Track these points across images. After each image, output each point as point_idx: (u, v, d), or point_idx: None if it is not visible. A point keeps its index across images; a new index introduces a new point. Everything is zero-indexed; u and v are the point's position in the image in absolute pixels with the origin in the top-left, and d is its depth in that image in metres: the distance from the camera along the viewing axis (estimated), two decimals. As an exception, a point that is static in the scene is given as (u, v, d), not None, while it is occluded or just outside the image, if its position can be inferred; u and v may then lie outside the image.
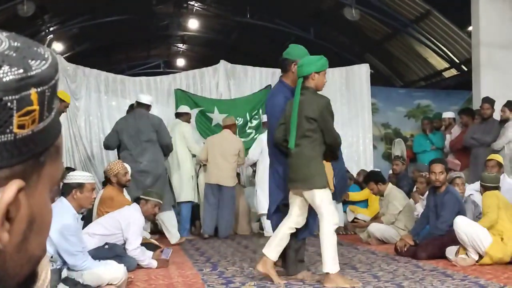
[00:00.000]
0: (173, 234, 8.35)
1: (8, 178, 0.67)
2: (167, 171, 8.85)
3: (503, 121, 9.02)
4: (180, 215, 9.21)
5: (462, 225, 5.90)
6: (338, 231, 9.57)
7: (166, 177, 8.68)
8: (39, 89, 0.68)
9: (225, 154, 9.02)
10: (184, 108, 9.73)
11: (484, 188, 6.26)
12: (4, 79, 0.65)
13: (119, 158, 8.30)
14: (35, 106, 0.68)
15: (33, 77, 0.68)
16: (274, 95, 5.56)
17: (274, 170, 5.41)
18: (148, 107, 8.68)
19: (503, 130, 8.94)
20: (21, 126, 0.66)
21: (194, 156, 9.48)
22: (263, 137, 8.48)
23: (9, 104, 0.65)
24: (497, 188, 6.27)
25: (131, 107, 9.36)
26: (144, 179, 8.13)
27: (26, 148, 0.68)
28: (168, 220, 8.36)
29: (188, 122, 9.63)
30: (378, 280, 5.12)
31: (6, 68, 0.66)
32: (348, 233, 9.46)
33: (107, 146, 8.84)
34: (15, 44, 0.70)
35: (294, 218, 5.06)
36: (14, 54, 0.68)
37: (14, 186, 0.67)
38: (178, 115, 9.59)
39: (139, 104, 8.69)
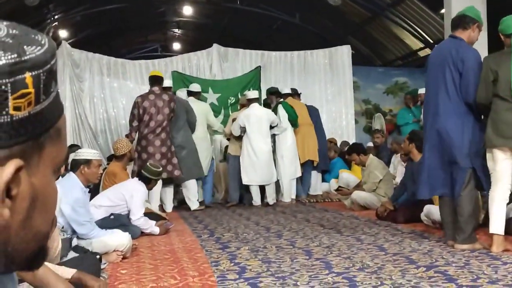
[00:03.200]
0: (193, 202, 8.61)
1: (7, 158, 0.66)
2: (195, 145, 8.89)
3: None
4: (204, 186, 9.33)
5: (434, 214, 5.82)
6: (318, 198, 9.70)
7: (196, 151, 8.75)
8: (33, 73, 0.67)
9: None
10: (196, 87, 9.64)
11: None
12: None
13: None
14: (30, 89, 0.67)
15: (27, 62, 0.67)
16: (461, 48, 4.68)
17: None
18: (170, 89, 8.88)
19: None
20: (17, 108, 0.66)
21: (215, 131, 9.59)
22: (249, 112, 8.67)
23: (3, 87, 0.65)
24: None
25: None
26: (179, 151, 8.41)
27: (23, 130, 0.67)
28: (192, 189, 8.63)
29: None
30: (361, 242, 5.15)
31: (0, 53, 0.65)
32: (330, 201, 9.50)
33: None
34: (13, 31, 0.69)
35: (506, 185, 4.48)
36: (11, 41, 0.67)
37: (12, 165, 0.66)
38: (191, 93, 9.44)
39: (164, 88, 8.62)
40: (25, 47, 0.68)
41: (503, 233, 4.46)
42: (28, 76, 0.67)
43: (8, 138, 0.66)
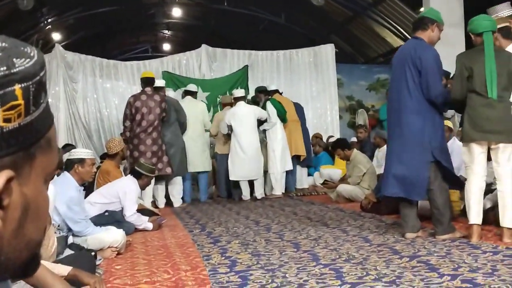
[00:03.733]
0: (177, 199, 8.67)
1: None
2: (184, 143, 8.90)
3: (452, 91, 9.02)
4: (199, 183, 9.34)
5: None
6: (305, 192, 9.71)
7: (184, 149, 8.78)
8: (23, 85, 0.66)
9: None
10: (193, 87, 9.67)
11: None
12: None
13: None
14: (20, 101, 0.66)
15: (16, 74, 0.66)
16: (421, 48, 4.74)
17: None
18: (163, 89, 8.79)
19: (453, 100, 8.95)
20: (7, 120, 0.65)
21: (207, 130, 9.55)
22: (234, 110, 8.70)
23: None
24: None
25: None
26: (168, 148, 8.41)
27: (14, 141, 0.66)
28: (176, 187, 8.68)
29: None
30: (347, 234, 5.16)
31: None
32: (316, 194, 9.51)
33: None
34: (2, 44, 0.68)
35: (482, 177, 4.49)
36: (0, 54, 0.66)
37: (3, 176, 0.65)
38: (188, 92, 9.48)
39: (156, 88, 8.59)
40: (14, 59, 0.67)
41: (480, 223, 4.49)
42: (17, 88, 0.66)
43: None
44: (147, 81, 8.32)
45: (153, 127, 8.15)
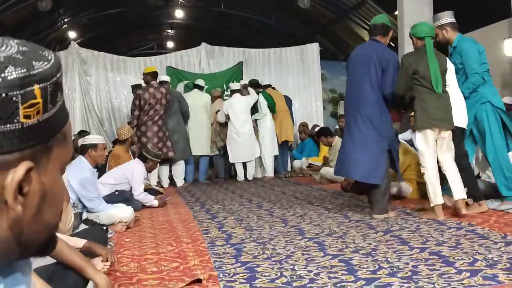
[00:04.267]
0: (179, 180, 8.69)
1: (19, 160, 0.65)
2: (186, 130, 8.94)
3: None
4: (199, 166, 9.30)
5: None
6: (293, 174, 9.71)
7: (187, 135, 8.82)
8: (41, 85, 0.66)
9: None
10: (201, 82, 9.69)
11: None
12: (8, 77, 0.64)
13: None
14: (39, 99, 0.66)
15: (35, 75, 0.66)
16: (382, 50, 4.82)
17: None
18: (167, 83, 8.79)
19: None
20: (27, 116, 0.65)
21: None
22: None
23: (14, 98, 0.64)
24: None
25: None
26: (171, 134, 8.46)
27: (33, 135, 0.66)
28: (179, 169, 8.68)
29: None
30: (329, 211, 5.18)
31: (11, 68, 0.64)
32: (302, 176, 9.52)
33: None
34: (23, 48, 0.68)
35: (435, 161, 4.53)
36: (21, 57, 0.66)
37: (23, 166, 0.65)
38: (196, 86, 9.50)
39: (162, 82, 8.63)
40: (33, 62, 0.67)
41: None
42: (36, 88, 0.66)
43: (19, 143, 0.65)
44: (154, 75, 8.31)
45: (159, 115, 8.18)
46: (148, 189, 6.48)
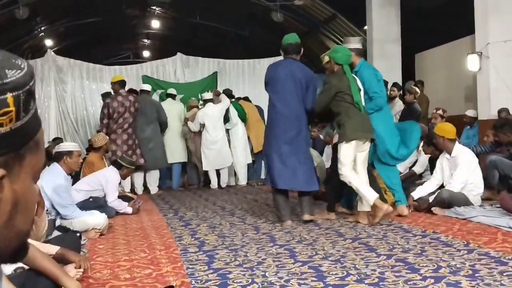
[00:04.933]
0: (153, 187, 8.63)
1: None
2: (163, 139, 8.89)
3: (392, 98, 9.12)
4: (172, 172, 9.21)
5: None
6: (261, 182, 9.71)
7: (163, 143, 8.77)
8: (14, 93, 0.65)
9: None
10: (173, 90, 9.70)
11: None
12: None
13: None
14: (11, 108, 0.65)
15: (8, 84, 0.65)
16: (303, 68, 5.16)
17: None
18: (148, 92, 8.89)
19: (391, 105, 9.01)
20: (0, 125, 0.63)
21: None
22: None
23: None
24: None
25: (131, 91, 9.08)
26: (147, 142, 8.42)
27: (6, 143, 0.65)
28: (153, 176, 8.65)
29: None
30: (299, 219, 5.17)
31: None
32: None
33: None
34: None
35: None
36: None
37: None
38: (169, 95, 9.51)
39: (142, 91, 8.82)
40: (6, 71, 0.66)
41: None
42: (9, 96, 0.65)
43: None
44: (121, 83, 8.25)
45: (128, 123, 8.14)
46: (122, 196, 6.40)
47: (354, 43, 5.45)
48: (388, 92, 9.34)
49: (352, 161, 4.78)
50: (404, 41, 11.14)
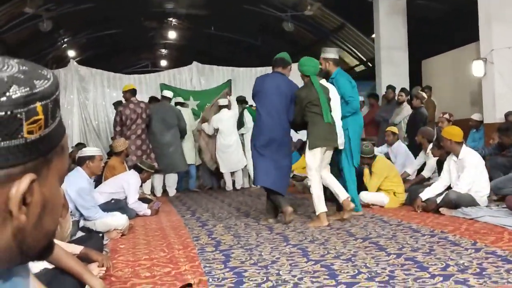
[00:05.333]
0: (172, 189, 8.64)
1: (23, 172, 0.65)
2: (182, 144, 8.91)
3: (400, 102, 9.12)
4: (190, 174, 9.26)
5: (365, 198, 5.92)
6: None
7: (182, 148, 8.77)
8: (43, 103, 0.66)
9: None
10: (180, 98, 9.82)
11: (363, 158, 5.91)
12: (13, 96, 0.63)
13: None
14: (41, 116, 0.66)
15: (37, 94, 0.66)
16: (288, 82, 5.33)
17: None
18: (169, 99, 8.92)
19: (399, 110, 9.03)
20: (30, 132, 0.65)
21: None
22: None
23: (18, 115, 0.64)
24: (374, 156, 6.13)
25: (153, 99, 9.23)
26: (167, 147, 8.43)
27: (35, 149, 0.66)
28: (171, 179, 8.65)
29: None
30: (311, 219, 5.16)
31: (15, 87, 0.64)
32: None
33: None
34: (23, 68, 0.68)
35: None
36: (22, 76, 0.66)
37: (27, 178, 0.65)
38: (177, 103, 9.57)
39: (164, 97, 8.87)
40: (35, 81, 0.67)
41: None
42: (38, 105, 0.66)
43: (23, 156, 0.65)
44: (133, 92, 8.26)
45: (142, 129, 8.13)
46: (142, 198, 6.42)
47: (332, 53, 5.68)
48: (397, 97, 9.31)
49: (319, 165, 4.90)
50: (411, 48, 11.08)
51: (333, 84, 5.34)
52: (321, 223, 4.71)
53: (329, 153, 5.05)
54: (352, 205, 4.92)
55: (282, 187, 5.16)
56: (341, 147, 5.16)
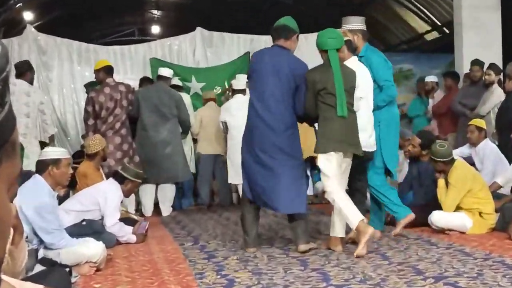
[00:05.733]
0: (166, 207, 8.62)
1: None
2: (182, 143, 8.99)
3: (488, 84, 8.85)
4: (183, 187, 9.37)
5: (439, 221, 5.91)
6: (314, 200, 9.67)
7: (183, 150, 8.80)
8: None
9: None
10: (177, 81, 9.84)
11: (435, 163, 6.06)
12: None
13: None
14: None
15: None
16: (292, 60, 5.42)
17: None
18: (168, 80, 8.92)
19: (488, 94, 8.74)
20: None
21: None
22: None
23: None
24: (452, 161, 6.11)
25: (145, 79, 9.46)
26: (163, 147, 8.42)
27: None
28: (169, 193, 8.68)
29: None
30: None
31: None
32: (324, 202, 9.44)
33: (131, 116, 8.44)
34: None
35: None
36: None
37: None
38: (174, 86, 9.47)
39: (160, 77, 8.87)
40: None
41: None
42: None
43: None
44: (108, 70, 8.23)
45: (121, 122, 8.11)
46: (125, 219, 6.44)
47: (358, 23, 5.77)
48: (484, 77, 9.12)
49: (337, 171, 4.99)
50: (504, 7, 10.95)
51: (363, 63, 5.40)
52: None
53: (348, 163, 5.10)
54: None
55: (299, 204, 5.23)
56: (369, 149, 5.23)
